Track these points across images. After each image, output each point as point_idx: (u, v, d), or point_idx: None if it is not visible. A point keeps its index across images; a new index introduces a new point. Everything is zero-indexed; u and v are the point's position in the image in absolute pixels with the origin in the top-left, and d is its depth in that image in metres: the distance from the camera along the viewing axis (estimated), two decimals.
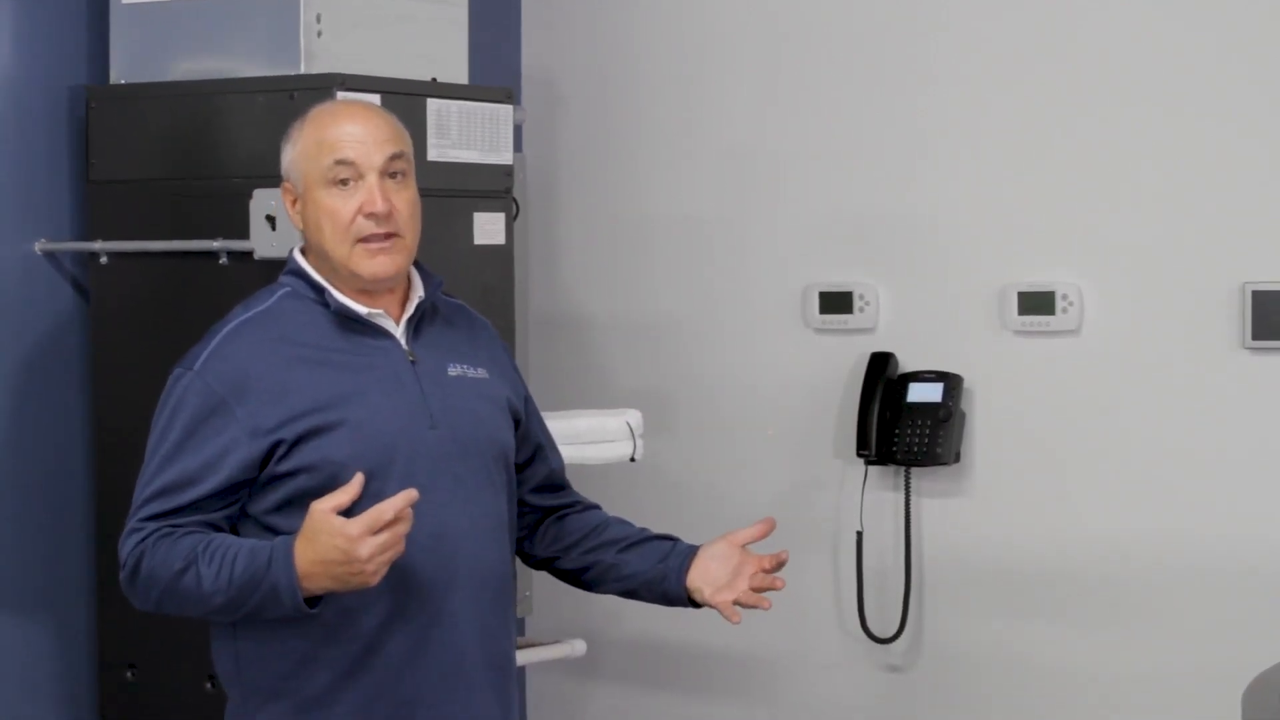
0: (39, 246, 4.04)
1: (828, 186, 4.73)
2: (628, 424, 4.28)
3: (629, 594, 3.28)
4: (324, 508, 2.83)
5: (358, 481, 2.86)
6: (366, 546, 2.80)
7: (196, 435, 2.95)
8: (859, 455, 4.60)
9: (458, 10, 4.20)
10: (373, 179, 3.02)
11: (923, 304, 4.64)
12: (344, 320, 3.04)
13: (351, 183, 3.01)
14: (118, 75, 4.05)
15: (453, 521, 3.02)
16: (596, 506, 3.35)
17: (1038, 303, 4.47)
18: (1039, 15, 4.50)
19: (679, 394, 4.89)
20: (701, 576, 3.21)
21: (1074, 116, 4.46)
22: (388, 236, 3.02)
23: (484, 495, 3.09)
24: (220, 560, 2.88)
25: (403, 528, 2.83)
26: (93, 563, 4.08)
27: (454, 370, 3.11)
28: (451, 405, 3.07)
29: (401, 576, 2.94)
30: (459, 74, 4.17)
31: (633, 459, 4.28)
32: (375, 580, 2.84)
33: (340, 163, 3.01)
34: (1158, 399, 4.40)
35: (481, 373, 3.15)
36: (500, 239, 4.15)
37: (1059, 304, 4.45)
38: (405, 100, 3.93)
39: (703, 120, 4.88)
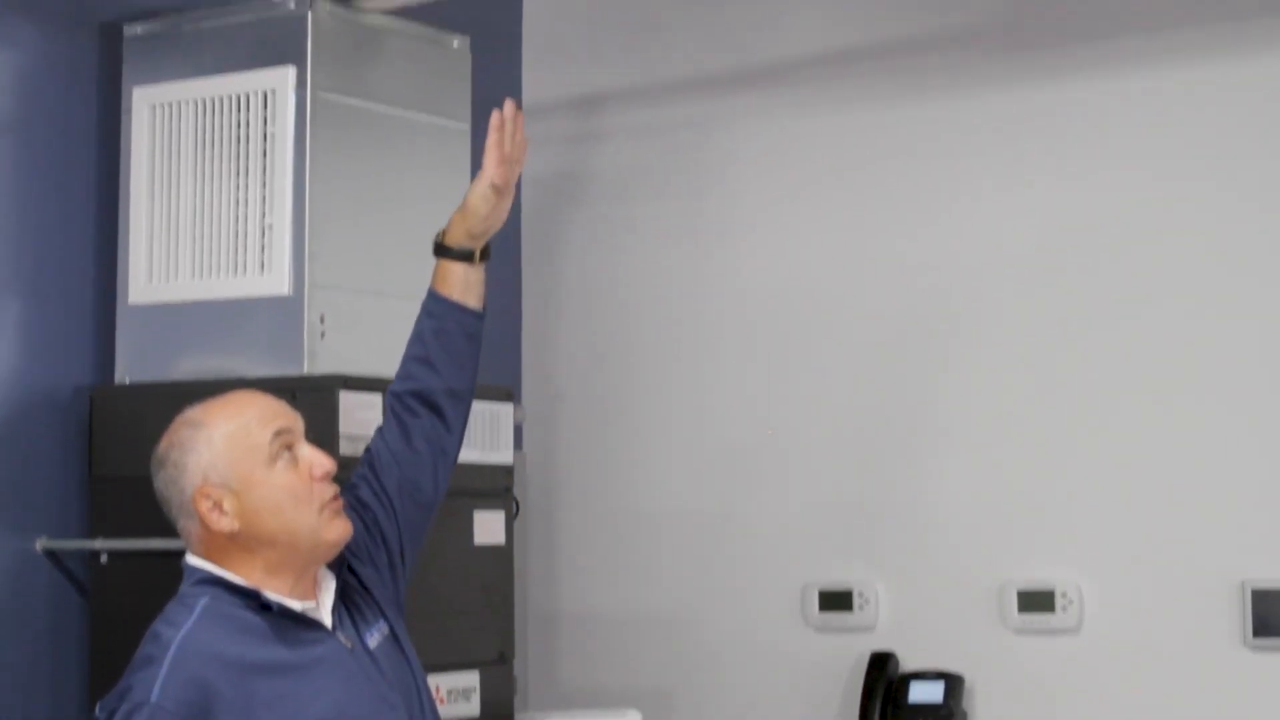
0: (39, 545, 4.04)
1: (826, 484, 4.74)
2: None
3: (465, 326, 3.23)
4: None
5: None
6: None
7: None
8: None
9: None
10: (304, 445, 2.99)
11: (922, 602, 4.63)
12: (275, 621, 2.93)
13: (289, 454, 2.97)
14: (122, 374, 4.09)
15: None
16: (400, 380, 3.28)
17: (1037, 601, 4.46)
18: (1037, 318, 4.55)
19: (678, 693, 4.86)
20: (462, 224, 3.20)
21: (1071, 415, 4.49)
22: (336, 496, 3.00)
23: None
24: None
25: None
26: None
27: (371, 640, 3.04)
28: (394, 681, 3.02)
29: None
30: None
31: None
32: None
33: (280, 433, 2.96)
34: (1159, 698, 4.37)
35: (384, 626, 3.08)
36: (500, 539, 4.15)
37: (1059, 602, 4.45)
38: None
39: (701, 417, 4.91)
